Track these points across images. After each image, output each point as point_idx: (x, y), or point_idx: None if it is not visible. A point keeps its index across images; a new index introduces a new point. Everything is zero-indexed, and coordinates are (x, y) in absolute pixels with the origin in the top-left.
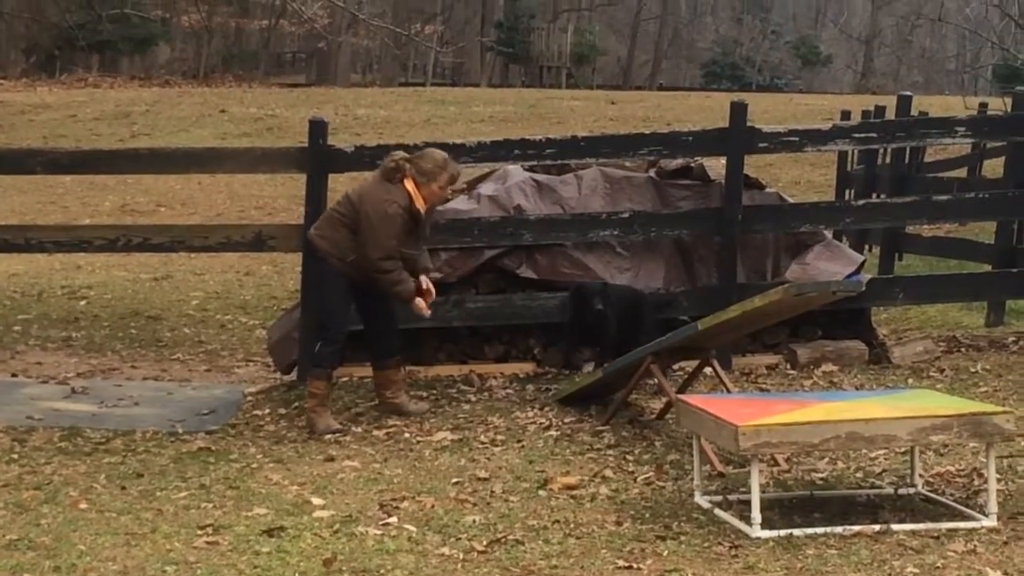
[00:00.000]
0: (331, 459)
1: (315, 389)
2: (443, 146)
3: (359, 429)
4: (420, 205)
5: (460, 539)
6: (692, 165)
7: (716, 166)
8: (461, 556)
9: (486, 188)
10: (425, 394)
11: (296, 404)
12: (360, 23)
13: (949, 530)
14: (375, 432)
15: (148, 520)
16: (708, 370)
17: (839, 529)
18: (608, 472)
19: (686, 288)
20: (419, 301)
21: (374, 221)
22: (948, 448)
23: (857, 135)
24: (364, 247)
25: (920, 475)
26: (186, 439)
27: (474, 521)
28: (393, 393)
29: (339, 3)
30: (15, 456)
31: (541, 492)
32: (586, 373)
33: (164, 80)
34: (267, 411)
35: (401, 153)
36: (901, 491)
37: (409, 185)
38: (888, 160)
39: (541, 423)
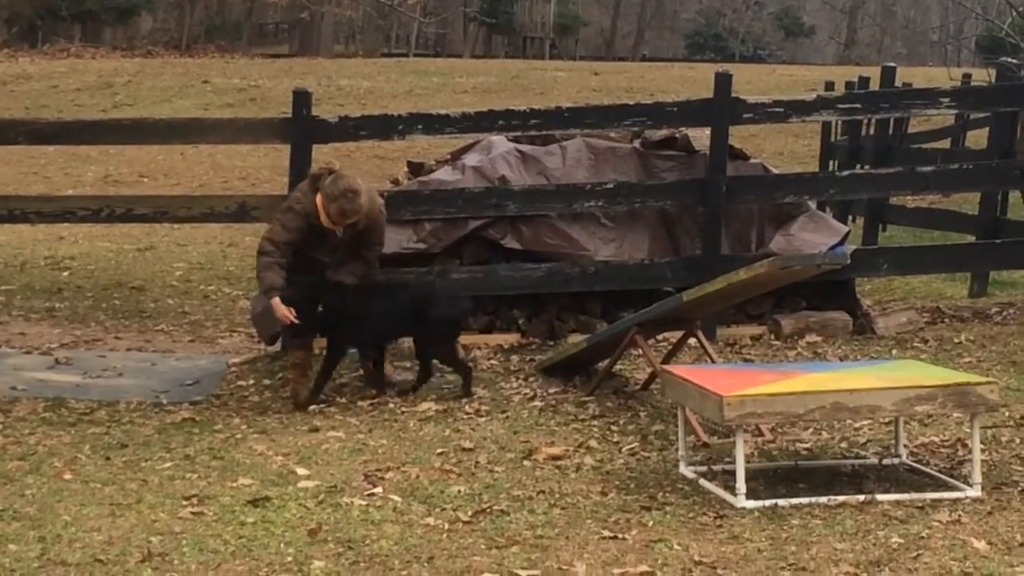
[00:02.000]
0: (315, 430)
1: (296, 359)
2: (427, 117)
3: (343, 400)
4: (324, 220)
5: (445, 509)
6: (677, 136)
7: (700, 137)
8: (446, 526)
9: (470, 159)
10: (410, 365)
11: (280, 375)
12: None
13: (933, 500)
14: (359, 403)
15: (133, 491)
16: (692, 341)
17: (824, 499)
18: (593, 443)
19: (670, 259)
20: (278, 309)
21: (282, 208)
22: (932, 418)
23: (841, 106)
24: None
25: (904, 445)
26: (170, 410)
27: (459, 491)
28: (377, 367)
29: None
30: None
31: (526, 462)
32: (570, 343)
33: (146, 51)
34: (251, 382)
35: (331, 164)
36: (886, 461)
37: (319, 198)
38: (872, 131)
39: (526, 394)
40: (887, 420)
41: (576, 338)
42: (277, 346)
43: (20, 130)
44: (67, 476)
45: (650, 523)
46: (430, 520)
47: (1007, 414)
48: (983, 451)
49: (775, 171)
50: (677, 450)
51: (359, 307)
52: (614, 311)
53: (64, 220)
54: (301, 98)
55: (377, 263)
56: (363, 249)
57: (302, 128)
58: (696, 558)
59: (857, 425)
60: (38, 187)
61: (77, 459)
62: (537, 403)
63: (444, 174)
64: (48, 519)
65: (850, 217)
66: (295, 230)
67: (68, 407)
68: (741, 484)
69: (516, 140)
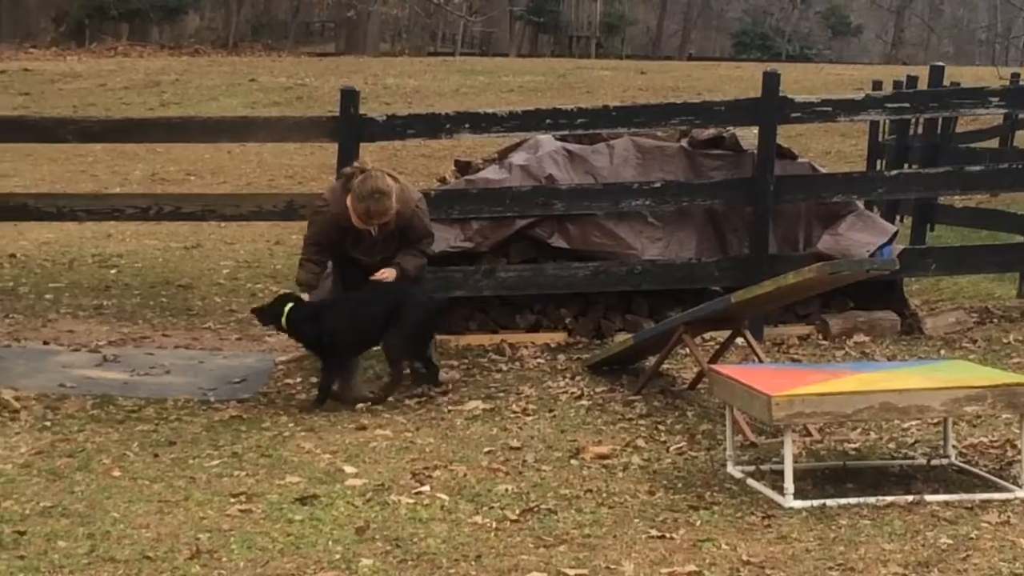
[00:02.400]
0: (363, 428)
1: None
2: (474, 116)
3: (390, 398)
4: (355, 221)
5: (493, 508)
6: (724, 135)
7: (748, 136)
8: (494, 525)
9: (517, 158)
10: (456, 363)
11: None
12: None
13: (982, 501)
14: (406, 401)
15: (181, 488)
16: (740, 340)
17: (872, 499)
18: (640, 442)
19: (717, 258)
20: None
21: (310, 211)
22: (981, 419)
23: (890, 105)
24: None
25: (953, 446)
26: (218, 407)
27: (506, 490)
28: (424, 364)
29: None
30: (48, 424)
31: (573, 461)
32: (617, 342)
33: (194, 49)
34: (298, 380)
35: (363, 163)
36: (934, 462)
37: (349, 199)
38: (919, 131)
39: (573, 392)
40: (935, 420)
41: (623, 337)
42: None
43: (69, 128)
44: (115, 473)
45: (698, 523)
46: (477, 519)
47: None
48: None
49: (823, 170)
50: (725, 449)
51: (340, 317)
52: (661, 310)
53: (112, 218)
54: (349, 97)
55: (428, 255)
56: (411, 245)
57: (350, 127)
58: (744, 558)
59: (905, 425)
60: (86, 185)
61: (125, 456)
62: (584, 402)
63: (491, 173)
64: (97, 516)
65: (898, 217)
66: (320, 232)
67: (116, 404)
68: (789, 484)
69: (563, 139)
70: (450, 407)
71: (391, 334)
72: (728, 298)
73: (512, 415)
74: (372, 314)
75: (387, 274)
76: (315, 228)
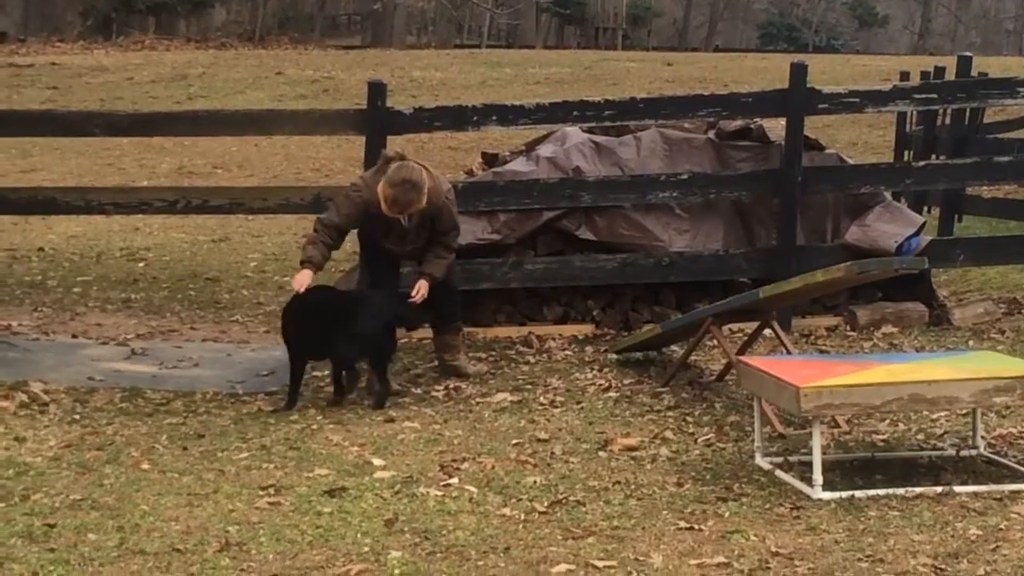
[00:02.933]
0: (391, 420)
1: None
2: (501, 108)
3: (418, 390)
4: (384, 208)
5: (521, 500)
6: (751, 126)
7: (775, 127)
8: (522, 517)
9: (544, 150)
10: (484, 355)
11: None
12: None
13: (1012, 492)
14: (434, 393)
15: (210, 480)
16: (767, 331)
17: (901, 491)
18: (668, 433)
19: (745, 249)
20: (298, 276)
21: (341, 194)
22: (1010, 410)
23: (918, 96)
24: None
25: (982, 437)
26: (246, 400)
27: (535, 482)
28: (452, 356)
29: None
30: (77, 417)
31: (601, 453)
32: (645, 329)
33: (220, 43)
34: (326, 372)
35: (400, 152)
36: (963, 453)
37: (381, 186)
38: (947, 121)
39: (600, 384)
40: (964, 411)
41: (650, 327)
42: None
43: (96, 122)
44: (145, 466)
45: (726, 514)
46: (506, 511)
47: None
48: None
49: (850, 161)
50: (753, 441)
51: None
52: (689, 302)
53: (140, 211)
54: (376, 89)
55: (455, 249)
56: (438, 236)
57: (377, 119)
58: (773, 549)
59: (934, 416)
60: (113, 179)
61: (154, 449)
62: (612, 394)
63: (518, 165)
64: (126, 508)
65: (925, 208)
66: (346, 216)
67: (145, 397)
68: (818, 475)
69: (590, 131)
70: (478, 399)
71: (343, 341)
72: (756, 292)
73: (540, 407)
74: (325, 320)
75: (422, 289)
76: (342, 211)
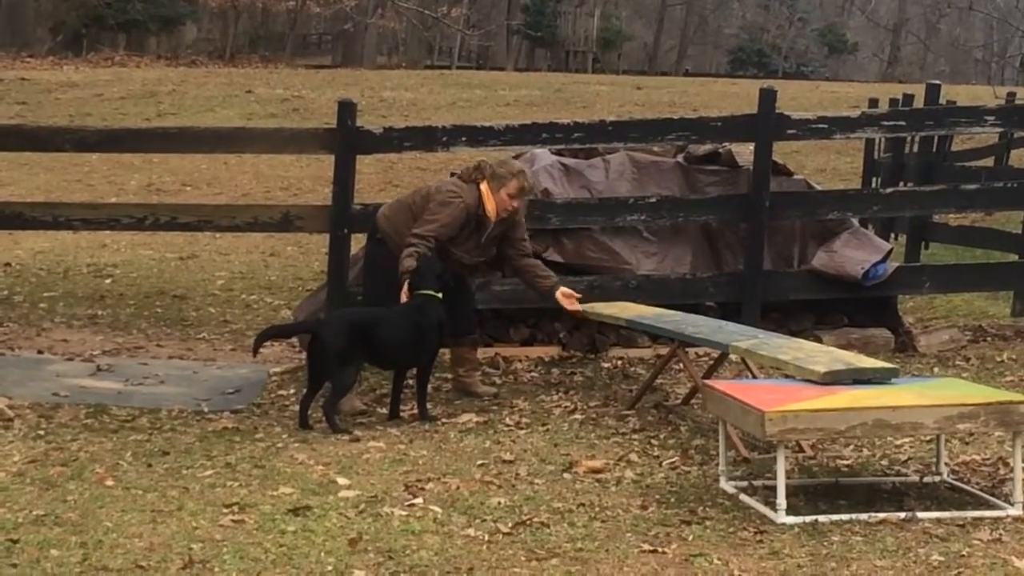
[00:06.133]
0: (356, 440)
1: None
2: (471, 129)
3: (384, 410)
4: (490, 209)
5: (485, 521)
6: (720, 151)
7: (744, 152)
8: (486, 538)
9: None
10: (450, 376)
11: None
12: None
13: (975, 519)
14: (400, 413)
15: (174, 498)
16: (733, 356)
17: (864, 516)
18: (633, 456)
19: (712, 273)
20: (405, 289)
21: (433, 205)
22: (974, 436)
23: (886, 123)
24: (418, 220)
25: (946, 463)
26: (211, 418)
27: (499, 503)
28: (466, 372)
29: None
30: (41, 432)
31: (566, 475)
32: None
33: (191, 60)
34: (292, 391)
35: (485, 160)
36: (926, 479)
37: (484, 187)
38: (915, 149)
39: (566, 406)
40: (928, 438)
41: (617, 351)
42: None
43: (65, 137)
44: (109, 482)
45: (690, 537)
46: (470, 531)
47: None
48: None
49: (818, 187)
50: (718, 465)
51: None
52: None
53: (109, 228)
54: (346, 109)
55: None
56: (519, 243)
57: (347, 139)
58: (736, 573)
59: (898, 442)
60: (82, 195)
61: (119, 466)
62: (578, 416)
63: None
64: (90, 525)
65: (892, 234)
66: (450, 225)
67: (110, 414)
68: (782, 500)
69: (559, 153)
70: (444, 420)
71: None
72: (726, 347)
73: (505, 428)
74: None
75: (573, 299)
76: (445, 219)
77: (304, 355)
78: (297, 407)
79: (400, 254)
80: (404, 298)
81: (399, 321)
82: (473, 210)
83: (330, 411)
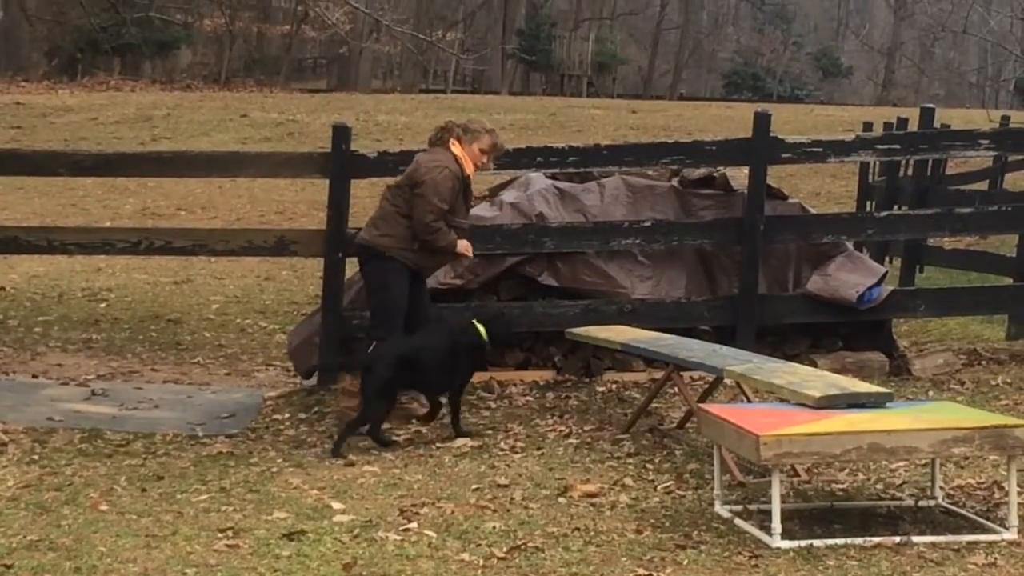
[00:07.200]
0: (351, 464)
1: (355, 388)
2: None
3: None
4: (468, 167)
5: (480, 545)
6: (715, 174)
7: (738, 176)
8: (481, 562)
9: (508, 195)
10: (443, 400)
11: (316, 409)
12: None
13: (969, 543)
14: (395, 437)
15: (168, 522)
16: (728, 380)
17: (859, 540)
18: (628, 480)
19: (707, 297)
20: (463, 243)
21: (426, 187)
22: (969, 460)
23: (880, 147)
24: (416, 213)
25: (941, 487)
26: (206, 442)
27: (494, 528)
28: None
29: (362, 9)
30: (36, 457)
31: (561, 499)
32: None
33: (185, 84)
34: (287, 415)
35: (451, 120)
36: (921, 503)
37: (455, 148)
38: (910, 172)
39: (561, 431)
40: (923, 462)
41: (612, 375)
42: (313, 380)
43: (60, 162)
44: (103, 507)
45: (685, 562)
46: (465, 556)
47: None
48: (1020, 494)
49: (812, 211)
50: (712, 489)
51: None
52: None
53: (103, 252)
54: (340, 133)
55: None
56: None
57: (341, 163)
58: None
59: (893, 466)
60: (76, 219)
61: (113, 490)
62: (572, 440)
63: (482, 210)
64: (84, 550)
65: (887, 258)
66: (450, 191)
67: (104, 438)
68: (776, 524)
69: (554, 177)
70: (439, 444)
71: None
72: (721, 371)
73: (500, 453)
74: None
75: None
76: (444, 189)
77: (298, 380)
78: (292, 432)
79: (424, 262)
80: (468, 251)
81: (440, 346)
82: (458, 173)
83: (346, 435)
